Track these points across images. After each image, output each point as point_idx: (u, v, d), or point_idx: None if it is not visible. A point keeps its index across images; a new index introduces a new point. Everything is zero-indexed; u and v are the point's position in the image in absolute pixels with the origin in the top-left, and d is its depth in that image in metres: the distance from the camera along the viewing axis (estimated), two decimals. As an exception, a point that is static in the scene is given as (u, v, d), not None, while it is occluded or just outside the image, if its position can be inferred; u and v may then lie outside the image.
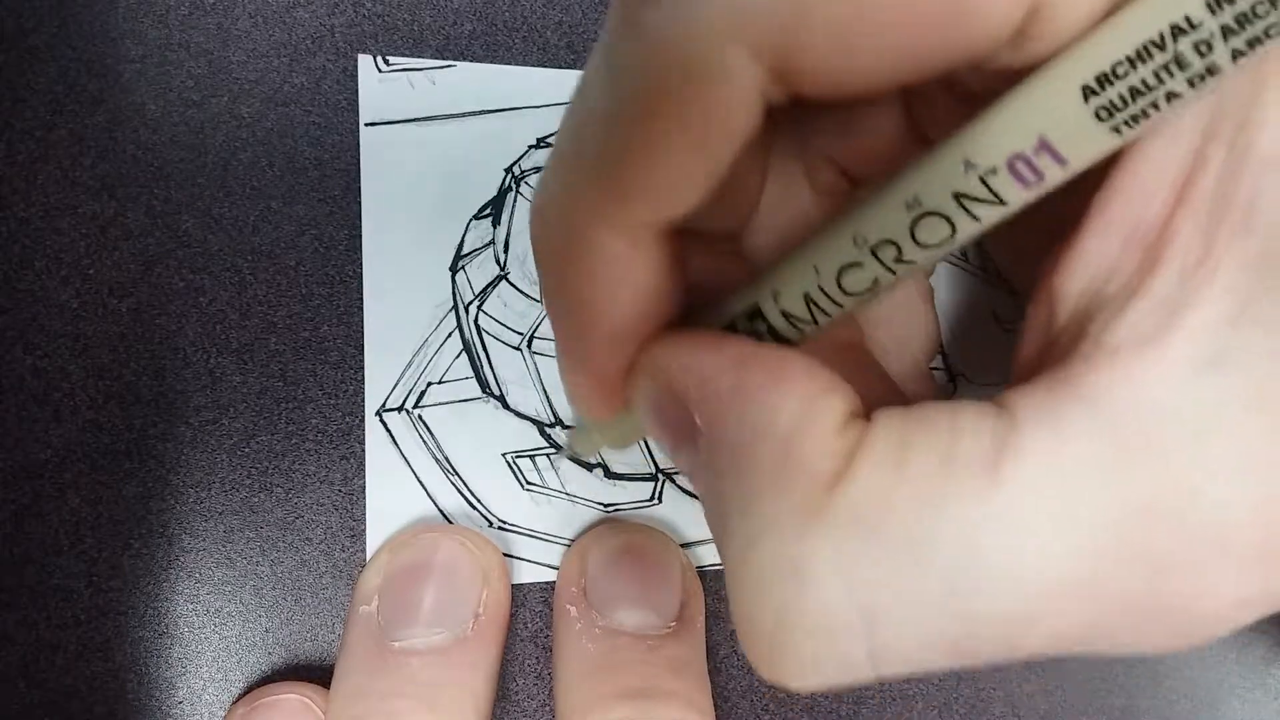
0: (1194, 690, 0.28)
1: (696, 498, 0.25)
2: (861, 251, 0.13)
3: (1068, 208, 0.13)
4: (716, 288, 0.16)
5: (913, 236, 0.13)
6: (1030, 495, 0.11)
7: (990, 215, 0.12)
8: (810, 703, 0.25)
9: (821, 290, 0.14)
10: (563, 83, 0.25)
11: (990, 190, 0.12)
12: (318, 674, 0.22)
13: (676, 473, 0.25)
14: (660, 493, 0.25)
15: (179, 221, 0.22)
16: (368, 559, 0.23)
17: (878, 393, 0.17)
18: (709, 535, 0.25)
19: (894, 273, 0.13)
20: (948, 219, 0.12)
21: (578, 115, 0.13)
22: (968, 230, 0.12)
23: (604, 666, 0.22)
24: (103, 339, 0.22)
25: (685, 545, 0.25)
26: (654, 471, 0.25)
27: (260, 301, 0.23)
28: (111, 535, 0.22)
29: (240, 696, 0.22)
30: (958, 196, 0.12)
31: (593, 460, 0.25)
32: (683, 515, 0.25)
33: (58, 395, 0.22)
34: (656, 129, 0.12)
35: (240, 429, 0.22)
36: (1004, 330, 0.26)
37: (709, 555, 0.25)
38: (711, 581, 0.25)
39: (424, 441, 0.23)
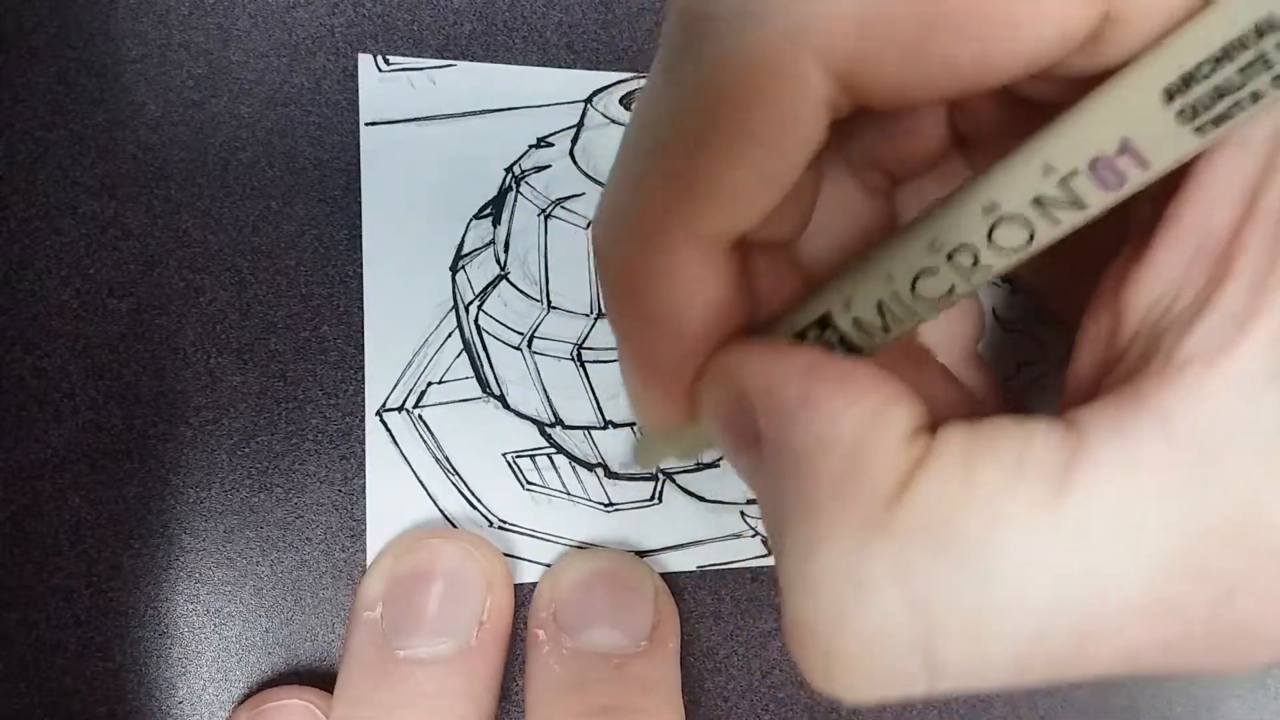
0: (1194, 690, 0.28)
1: (697, 498, 0.25)
2: (937, 257, 0.13)
3: (1124, 221, 0.13)
4: (772, 296, 0.16)
5: (990, 241, 0.13)
6: (1100, 511, 0.11)
7: (1070, 219, 0.12)
8: (810, 703, 0.25)
9: (896, 298, 0.14)
10: (563, 83, 0.25)
11: (1071, 194, 0.12)
12: (318, 675, 0.22)
13: (677, 472, 0.25)
14: (660, 492, 0.25)
15: (179, 221, 0.22)
16: (368, 560, 0.23)
17: (940, 390, 0.17)
18: (708, 535, 0.25)
19: (970, 279, 0.13)
20: (1027, 223, 0.12)
21: (642, 130, 0.13)
22: (1046, 235, 0.12)
23: (571, 686, 0.22)
24: (103, 339, 0.22)
25: (684, 546, 0.25)
26: (654, 471, 0.25)
27: (260, 301, 0.23)
28: (111, 535, 0.22)
29: (242, 699, 0.22)
30: (1037, 201, 0.12)
31: (592, 460, 0.25)
32: (683, 515, 0.25)
33: (58, 395, 0.22)
34: (728, 140, 0.12)
35: (240, 429, 0.22)
36: (1004, 330, 0.26)
37: (711, 556, 0.25)
38: (712, 581, 0.25)
39: (424, 441, 0.23)
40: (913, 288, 0.14)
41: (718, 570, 0.25)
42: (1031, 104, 0.13)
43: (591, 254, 0.24)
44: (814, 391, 0.13)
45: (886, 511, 0.12)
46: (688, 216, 0.13)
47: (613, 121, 0.25)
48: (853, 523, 0.12)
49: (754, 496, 0.25)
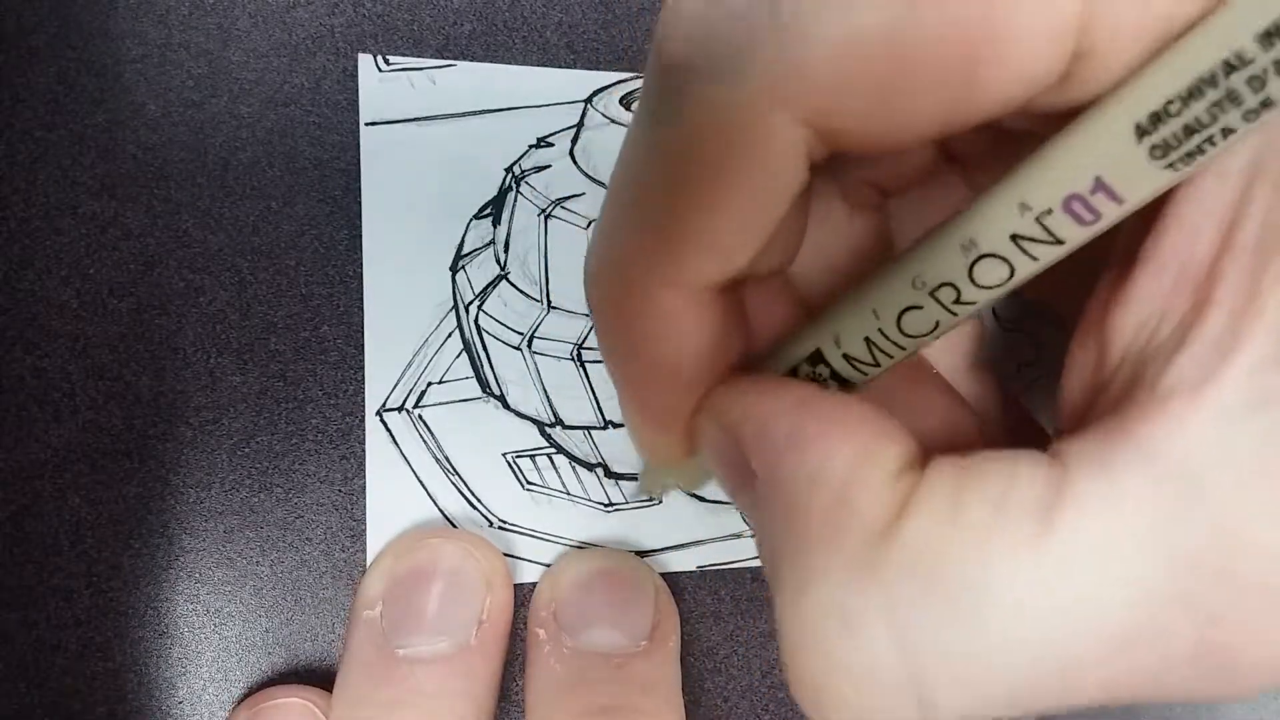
0: (1194, 690, 0.28)
1: (697, 498, 0.25)
2: (921, 295, 0.13)
3: (1115, 243, 0.13)
4: (767, 325, 0.16)
5: (971, 278, 0.13)
6: (1083, 544, 0.11)
7: (1048, 255, 0.12)
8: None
9: (882, 334, 0.14)
10: (563, 83, 0.25)
11: (1047, 231, 0.12)
12: (318, 674, 0.22)
13: (676, 473, 0.25)
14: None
15: (179, 221, 0.22)
16: (368, 560, 0.23)
17: (938, 404, 0.17)
18: (708, 535, 0.25)
19: (954, 314, 0.13)
20: (1006, 260, 0.12)
21: (626, 181, 0.14)
22: (1026, 270, 0.12)
23: (571, 686, 0.22)
24: (103, 339, 0.22)
25: (684, 546, 0.25)
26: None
27: (260, 301, 0.23)
28: (111, 535, 0.22)
29: (242, 699, 0.22)
30: (1015, 238, 0.12)
31: (592, 460, 0.25)
32: (683, 515, 0.25)
33: (58, 395, 0.22)
34: (706, 193, 0.12)
35: (240, 429, 0.22)
36: (1003, 330, 0.26)
37: (711, 556, 0.25)
38: (712, 581, 0.25)
39: (424, 441, 0.23)
40: (899, 324, 0.14)
41: (718, 570, 0.25)
42: (1021, 137, 0.14)
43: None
44: (803, 430, 0.13)
45: (874, 550, 0.12)
46: (671, 266, 0.13)
47: (613, 121, 0.25)
48: (841, 561, 0.12)
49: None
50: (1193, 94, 0.10)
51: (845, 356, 0.15)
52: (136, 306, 0.22)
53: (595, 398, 0.25)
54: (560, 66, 0.25)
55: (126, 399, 0.22)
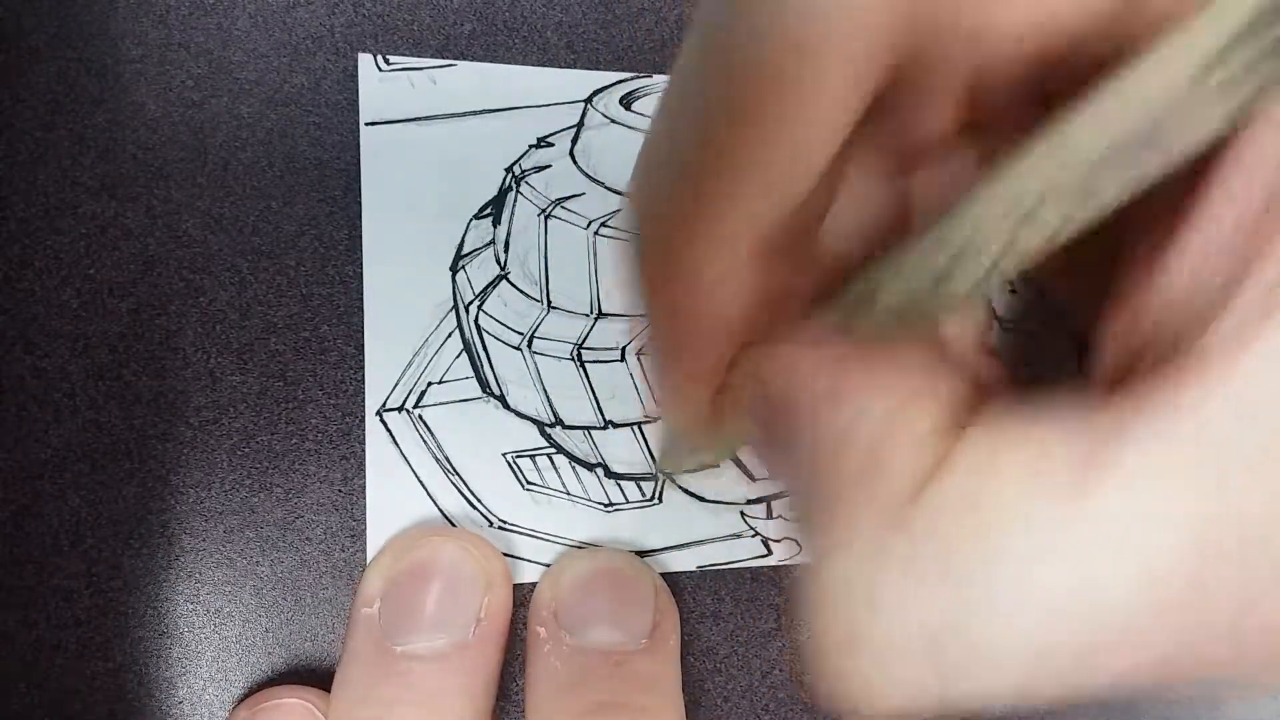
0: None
1: (697, 498, 0.25)
2: (957, 254, 0.13)
3: (1140, 215, 0.13)
4: (792, 289, 0.16)
5: (1019, 231, 0.12)
6: (1115, 513, 0.10)
7: (1093, 209, 0.12)
8: (810, 703, 0.25)
9: (917, 296, 0.14)
10: (563, 83, 0.25)
11: (1094, 183, 0.12)
12: (318, 674, 0.22)
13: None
14: (660, 493, 0.25)
15: (179, 221, 0.22)
16: (368, 559, 0.23)
17: (954, 378, 0.17)
18: (708, 535, 0.25)
19: (991, 275, 0.13)
20: (1048, 215, 0.12)
21: (669, 124, 0.13)
22: (1069, 226, 0.12)
23: (572, 684, 0.22)
24: (103, 339, 0.22)
25: (684, 546, 0.25)
26: (654, 471, 0.25)
27: (260, 301, 0.23)
28: (111, 535, 0.22)
29: (241, 699, 0.22)
30: (1058, 191, 0.12)
31: (592, 460, 0.25)
32: (683, 515, 0.25)
33: (58, 395, 0.22)
34: (768, 111, 0.12)
35: (240, 429, 0.22)
36: (1003, 329, 0.26)
37: (711, 556, 0.25)
38: (712, 581, 0.25)
39: (424, 441, 0.23)
40: (934, 286, 0.14)
41: (718, 570, 0.25)
42: (1046, 99, 0.13)
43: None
44: (839, 384, 0.13)
45: (903, 511, 0.11)
46: (718, 211, 0.13)
47: (613, 121, 0.25)
48: (870, 523, 0.11)
49: (754, 496, 0.25)
50: (1254, 28, 0.10)
51: (876, 319, 0.14)
52: (136, 306, 0.22)
53: (595, 398, 0.25)
54: (560, 66, 0.25)
55: (126, 399, 0.22)
